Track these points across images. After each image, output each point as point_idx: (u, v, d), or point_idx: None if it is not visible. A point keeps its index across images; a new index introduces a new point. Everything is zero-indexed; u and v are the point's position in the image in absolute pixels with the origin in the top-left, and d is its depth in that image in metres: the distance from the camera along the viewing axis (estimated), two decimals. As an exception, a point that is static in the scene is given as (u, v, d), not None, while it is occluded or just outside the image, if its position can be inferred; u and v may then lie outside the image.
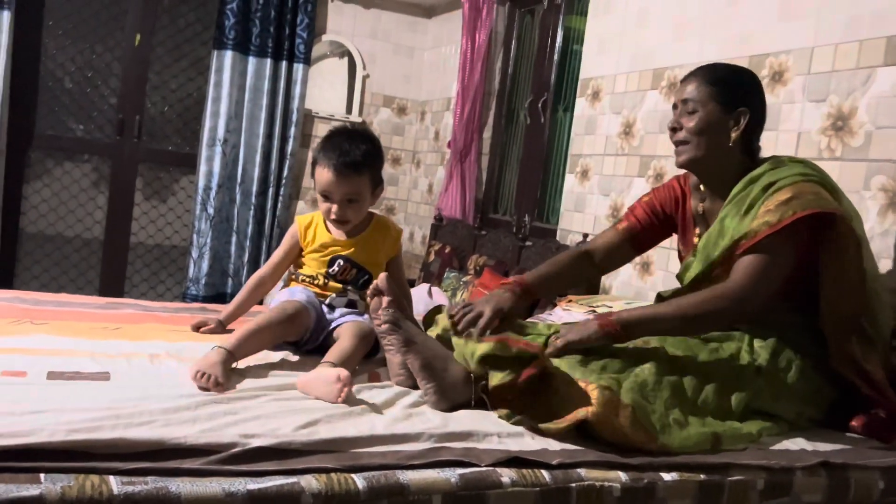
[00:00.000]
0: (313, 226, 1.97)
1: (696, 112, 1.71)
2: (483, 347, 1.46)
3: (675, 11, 2.78)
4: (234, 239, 4.43)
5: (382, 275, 1.66)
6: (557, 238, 3.33)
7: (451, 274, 3.61)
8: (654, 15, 2.90)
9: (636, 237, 1.94)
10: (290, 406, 1.36)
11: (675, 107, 1.79)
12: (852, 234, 1.62)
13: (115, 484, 0.99)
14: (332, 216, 1.88)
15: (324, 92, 4.69)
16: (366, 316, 1.80)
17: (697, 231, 1.86)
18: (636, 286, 2.85)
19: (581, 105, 3.29)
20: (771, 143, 2.31)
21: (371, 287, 1.65)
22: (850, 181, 2.08)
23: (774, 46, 2.37)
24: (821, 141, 2.20)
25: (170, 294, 4.63)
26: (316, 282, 1.91)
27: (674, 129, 1.76)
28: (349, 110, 4.72)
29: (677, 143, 1.76)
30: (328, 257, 1.91)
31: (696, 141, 1.71)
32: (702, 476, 1.35)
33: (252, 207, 4.42)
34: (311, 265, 1.94)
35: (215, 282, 4.41)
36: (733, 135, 1.71)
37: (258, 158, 4.39)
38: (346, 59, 4.74)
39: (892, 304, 1.81)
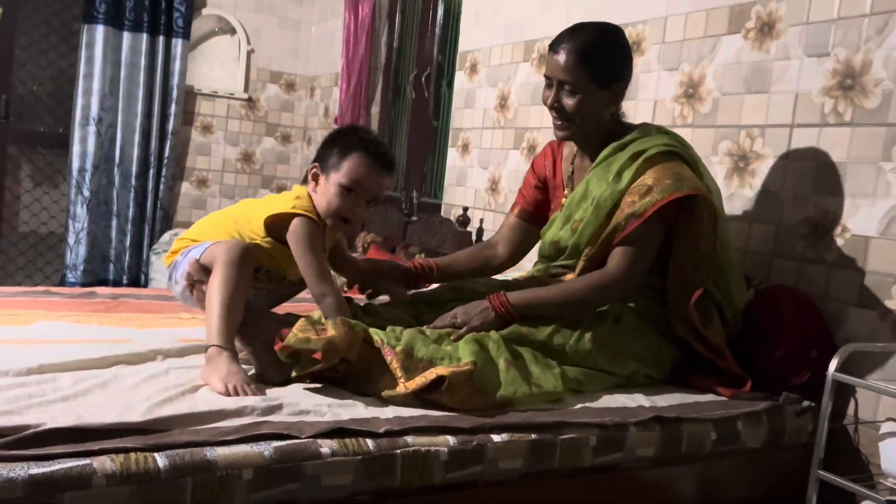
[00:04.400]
0: None
1: (575, 93, 1.70)
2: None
3: (544, -18, 2.80)
4: (114, 223, 4.24)
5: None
6: (442, 213, 3.33)
7: (338, 252, 3.55)
8: (525, -14, 2.90)
9: (532, 215, 2.00)
10: (109, 387, 1.30)
11: (548, 81, 1.74)
12: (709, 208, 1.67)
13: None
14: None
15: (214, 70, 4.53)
16: None
17: (566, 192, 1.91)
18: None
19: (460, 78, 3.28)
20: (630, 113, 2.34)
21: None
22: (700, 147, 2.14)
23: (633, 17, 2.41)
24: (674, 108, 2.26)
25: (48, 283, 4.39)
26: None
27: (553, 107, 1.75)
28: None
29: (558, 120, 1.76)
30: None
31: (579, 120, 1.73)
32: (533, 435, 1.36)
33: (132, 189, 4.23)
34: None
35: (95, 268, 4.22)
36: (611, 108, 1.76)
37: (137, 138, 4.20)
38: (236, 37, 4.59)
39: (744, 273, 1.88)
